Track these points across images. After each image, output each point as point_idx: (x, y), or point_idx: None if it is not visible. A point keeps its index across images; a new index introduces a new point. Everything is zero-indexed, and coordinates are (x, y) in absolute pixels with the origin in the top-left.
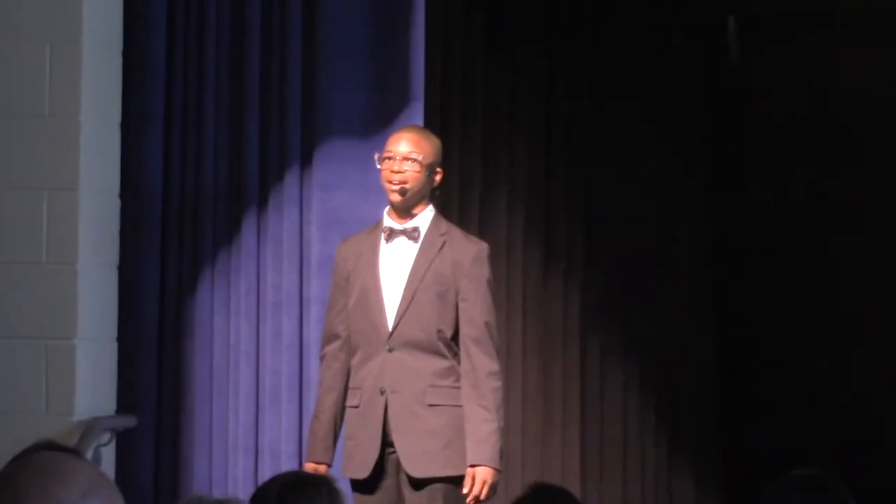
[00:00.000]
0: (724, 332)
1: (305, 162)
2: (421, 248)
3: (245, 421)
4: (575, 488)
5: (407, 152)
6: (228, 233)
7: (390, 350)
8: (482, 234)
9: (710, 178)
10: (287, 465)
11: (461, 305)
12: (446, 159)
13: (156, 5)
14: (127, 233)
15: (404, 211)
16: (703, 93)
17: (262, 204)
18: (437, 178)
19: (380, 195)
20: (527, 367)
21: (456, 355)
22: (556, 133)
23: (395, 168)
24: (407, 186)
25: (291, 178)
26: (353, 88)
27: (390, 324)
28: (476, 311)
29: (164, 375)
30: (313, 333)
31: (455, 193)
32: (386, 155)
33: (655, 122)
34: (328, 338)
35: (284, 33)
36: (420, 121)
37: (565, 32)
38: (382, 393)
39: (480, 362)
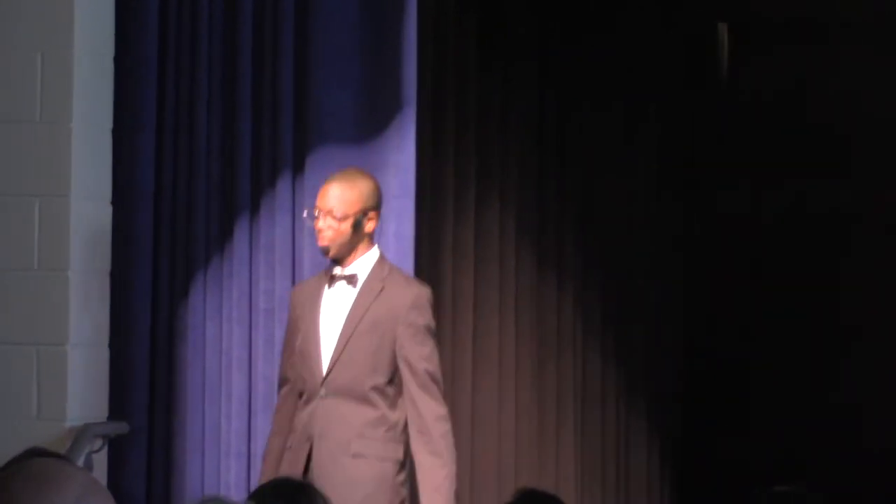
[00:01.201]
0: (709, 339)
1: (298, 167)
2: (359, 293)
3: (238, 427)
4: (570, 496)
5: (328, 208)
6: (221, 239)
7: (323, 396)
8: (476, 238)
9: (698, 184)
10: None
11: (399, 353)
12: (439, 162)
13: (147, 11)
14: (119, 239)
15: (341, 258)
16: (691, 97)
17: (255, 210)
18: (370, 223)
19: None
20: (520, 374)
21: (391, 405)
22: (547, 136)
23: (318, 225)
24: (327, 244)
25: (283, 184)
26: (346, 91)
27: (324, 369)
28: (414, 359)
29: (156, 381)
30: None
31: (451, 197)
32: (314, 210)
33: (646, 127)
34: (280, 381)
35: (276, 37)
36: (412, 123)
37: (557, 36)
38: (309, 439)
39: (427, 407)
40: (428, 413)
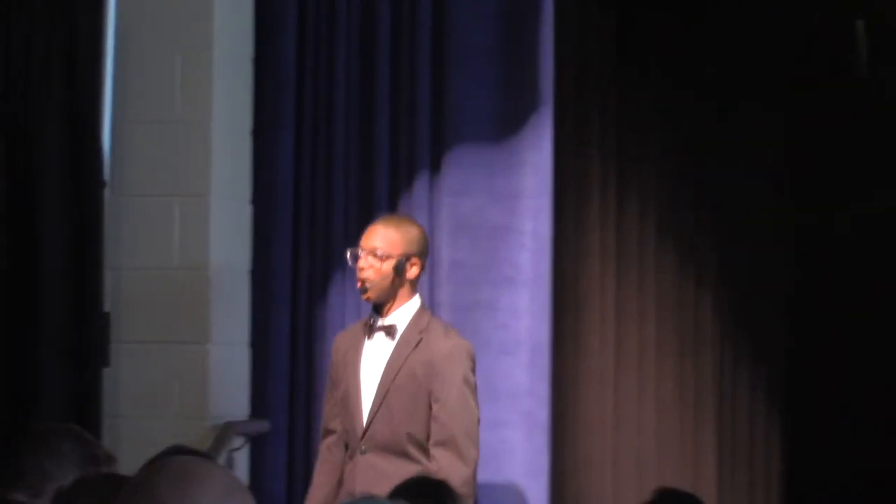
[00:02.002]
0: (840, 342)
1: (434, 167)
2: (397, 345)
3: None
4: (710, 494)
5: (370, 247)
6: (358, 238)
7: (363, 452)
8: (617, 238)
9: (830, 185)
10: None
11: (433, 406)
12: (579, 161)
13: (286, 12)
14: (258, 238)
15: (381, 306)
16: (827, 100)
17: (392, 209)
18: (413, 269)
19: (510, 200)
20: (661, 372)
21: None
22: (684, 135)
23: (360, 264)
24: (367, 284)
25: (420, 184)
26: (482, 91)
27: (364, 424)
28: (444, 414)
29: (296, 379)
30: None
31: (594, 197)
32: (357, 249)
33: (783, 125)
34: (324, 431)
35: (413, 37)
36: (549, 122)
37: (692, 33)
38: (351, 495)
39: (450, 466)
40: (451, 472)
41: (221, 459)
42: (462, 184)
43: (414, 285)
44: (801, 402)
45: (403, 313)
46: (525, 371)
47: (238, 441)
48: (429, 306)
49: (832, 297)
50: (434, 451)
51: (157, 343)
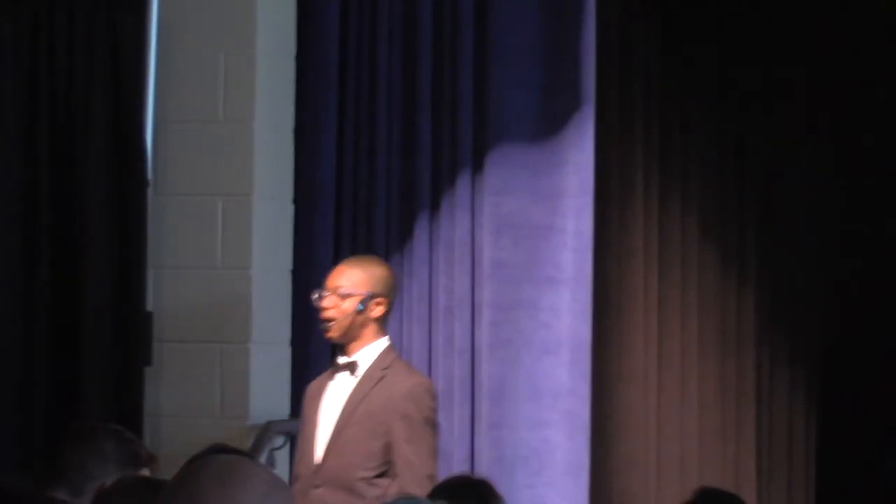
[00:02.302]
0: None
1: (477, 166)
2: (359, 382)
3: None
4: (750, 493)
5: (333, 286)
6: (401, 237)
7: (316, 486)
8: (659, 240)
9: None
10: (459, 467)
11: (392, 446)
12: (623, 161)
13: (329, 10)
14: (300, 237)
15: (345, 345)
16: (877, 100)
17: (434, 209)
18: (379, 308)
19: (552, 200)
20: (702, 372)
21: (382, 498)
22: (728, 135)
23: (323, 303)
24: (329, 324)
25: (463, 183)
26: (525, 91)
27: (318, 458)
28: (402, 454)
29: None
30: (485, 338)
31: (638, 196)
32: (323, 290)
33: (829, 124)
34: (292, 478)
35: (456, 37)
36: (591, 122)
37: (736, 34)
38: None
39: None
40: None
41: (262, 458)
42: (504, 183)
43: (381, 325)
44: (837, 403)
45: (368, 352)
46: (566, 370)
47: (279, 440)
48: (470, 307)
49: (873, 298)
50: (386, 481)
51: (199, 342)
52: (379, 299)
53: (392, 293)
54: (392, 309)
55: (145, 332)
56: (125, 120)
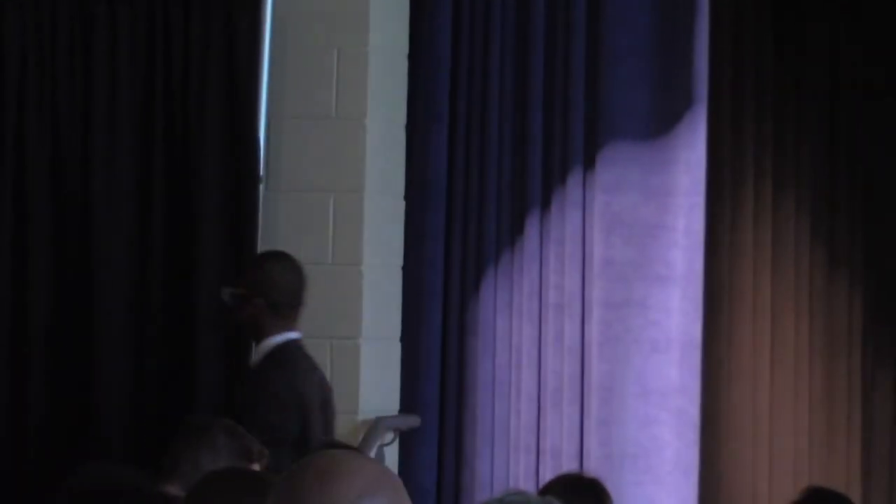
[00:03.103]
0: None
1: (588, 164)
2: None
3: (527, 421)
4: (856, 493)
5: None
6: (511, 234)
7: None
8: (772, 239)
9: None
10: (568, 465)
11: None
12: (737, 160)
13: (441, 8)
14: (411, 234)
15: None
16: None
17: (545, 205)
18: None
19: (663, 198)
20: (813, 371)
21: None
22: (839, 136)
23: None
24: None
25: (574, 181)
26: (637, 89)
27: None
28: None
29: (447, 375)
30: (595, 336)
31: (750, 196)
32: None
33: None
34: None
35: (568, 33)
36: (703, 121)
37: (852, 29)
38: None
39: None
40: None
41: (372, 454)
42: (616, 181)
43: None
44: None
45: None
46: (676, 368)
47: (388, 436)
48: (580, 304)
49: None
50: None
51: (310, 338)
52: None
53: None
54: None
55: None
56: (239, 116)
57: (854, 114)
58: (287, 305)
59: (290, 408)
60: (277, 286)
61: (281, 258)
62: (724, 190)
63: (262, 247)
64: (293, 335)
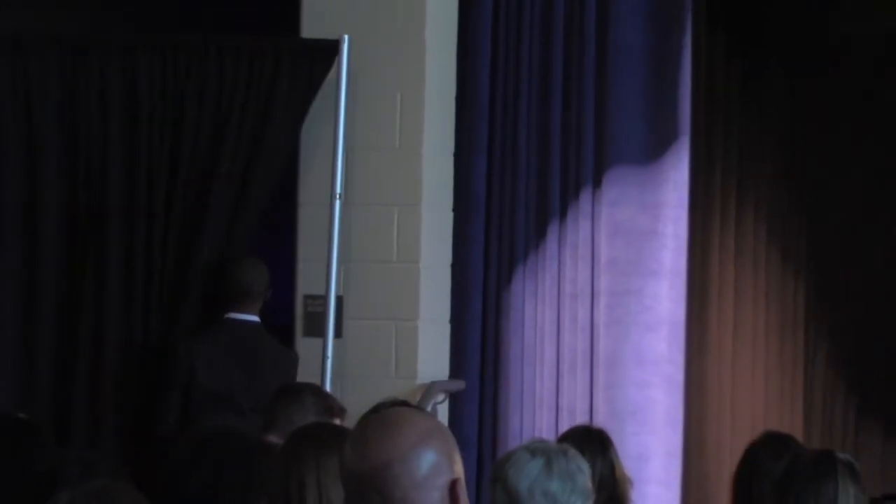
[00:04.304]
0: None
1: (597, 182)
2: None
3: (549, 385)
4: (799, 437)
5: None
6: (536, 239)
7: None
8: (735, 242)
9: None
10: (580, 419)
11: None
12: (709, 179)
13: (482, 62)
14: (458, 238)
15: None
16: None
17: (563, 217)
18: None
19: (655, 210)
20: (767, 346)
21: None
22: (796, 161)
23: None
24: None
25: (586, 196)
26: (635, 122)
27: None
28: None
29: (486, 350)
30: (602, 318)
31: (718, 208)
32: None
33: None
34: None
35: (581, 80)
36: (687, 148)
37: (802, 83)
38: None
39: None
40: None
41: (427, 410)
42: (618, 196)
43: None
44: (867, 371)
45: None
46: (665, 343)
47: (440, 396)
48: (590, 293)
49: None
50: None
51: (380, 320)
52: None
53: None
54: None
55: (338, 311)
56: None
57: (804, 141)
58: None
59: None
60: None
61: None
62: (700, 203)
63: (341, 249)
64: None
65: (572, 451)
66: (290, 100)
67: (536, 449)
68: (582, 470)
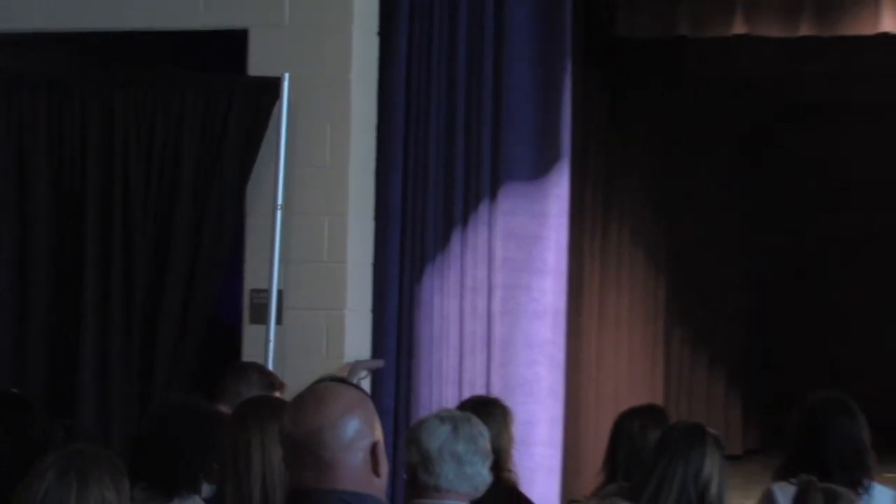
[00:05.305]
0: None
1: (493, 196)
2: None
3: (453, 364)
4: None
5: None
6: (443, 242)
7: None
8: (602, 245)
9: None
10: (479, 391)
11: None
12: (582, 192)
13: (397, 98)
14: (378, 242)
15: None
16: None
17: (465, 224)
18: None
19: (541, 219)
20: (630, 330)
21: None
22: (652, 178)
23: None
24: None
25: (483, 207)
26: (526, 146)
27: None
28: None
29: (401, 334)
30: (497, 308)
31: (589, 216)
32: None
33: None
34: None
35: (480, 112)
36: (567, 168)
37: (667, 107)
38: None
39: None
40: None
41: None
42: (510, 207)
43: None
44: (710, 349)
45: None
46: (549, 329)
47: (363, 373)
48: (487, 288)
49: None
50: None
51: (313, 310)
52: None
53: None
54: None
55: (280, 302)
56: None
57: (663, 159)
58: None
59: None
60: None
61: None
62: (578, 213)
63: (280, 251)
64: None
65: (475, 419)
66: (246, 126)
67: (445, 416)
68: (483, 434)
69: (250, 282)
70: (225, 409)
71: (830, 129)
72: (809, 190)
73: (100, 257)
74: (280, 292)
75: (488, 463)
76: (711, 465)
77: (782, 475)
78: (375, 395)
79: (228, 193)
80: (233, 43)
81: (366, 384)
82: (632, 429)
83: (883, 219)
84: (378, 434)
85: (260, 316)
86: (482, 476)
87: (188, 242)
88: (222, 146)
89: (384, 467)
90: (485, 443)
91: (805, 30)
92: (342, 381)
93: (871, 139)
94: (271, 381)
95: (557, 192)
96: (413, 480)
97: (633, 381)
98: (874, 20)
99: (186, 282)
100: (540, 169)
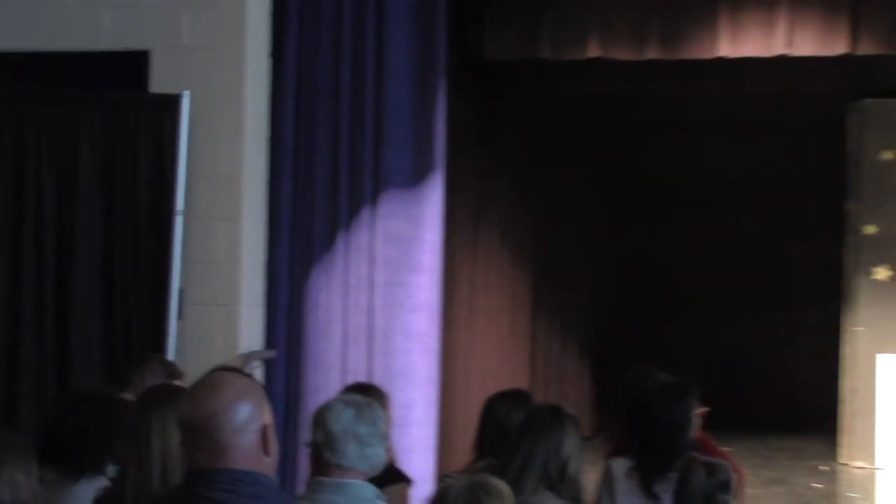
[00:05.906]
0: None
1: (374, 200)
2: None
3: (338, 353)
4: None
5: None
6: (328, 244)
7: None
8: (476, 243)
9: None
10: (362, 378)
11: None
12: (456, 197)
13: (287, 111)
14: (270, 244)
15: None
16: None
17: (348, 227)
18: None
19: (418, 221)
20: (500, 321)
21: None
22: (521, 184)
23: None
24: None
25: (366, 211)
26: (403, 153)
27: None
28: None
29: (291, 327)
30: (378, 302)
31: (462, 217)
32: None
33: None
34: None
35: (363, 123)
36: (441, 175)
37: (528, 126)
38: None
39: None
40: None
41: (247, 372)
42: (389, 211)
43: None
44: (571, 339)
45: None
46: (425, 322)
47: (256, 363)
48: (369, 284)
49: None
50: None
51: (211, 305)
52: None
53: None
54: None
55: (182, 300)
56: (167, 174)
57: (529, 166)
58: None
59: None
60: None
61: None
62: (450, 214)
63: (186, 251)
64: None
65: (376, 404)
66: (152, 139)
67: (349, 401)
68: (381, 418)
69: None
70: (129, 396)
71: (675, 142)
72: (653, 195)
73: (12, 258)
74: (181, 290)
75: (385, 444)
76: (570, 444)
77: (616, 451)
78: (267, 382)
79: (132, 199)
80: (135, 64)
81: (258, 373)
82: (499, 411)
83: (719, 219)
84: (268, 417)
85: None
86: (380, 456)
87: (101, 246)
88: (129, 157)
89: (274, 448)
90: (383, 426)
91: (652, 54)
92: (235, 370)
93: (708, 151)
94: (172, 370)
95: (432, 197)
96: (318, 458)
97: (501, 367)
98: (712, 45)
99: (97, 278)
100: (416, 176)
